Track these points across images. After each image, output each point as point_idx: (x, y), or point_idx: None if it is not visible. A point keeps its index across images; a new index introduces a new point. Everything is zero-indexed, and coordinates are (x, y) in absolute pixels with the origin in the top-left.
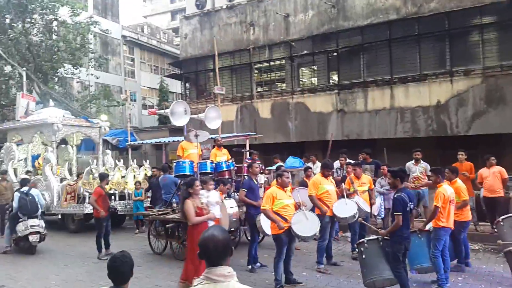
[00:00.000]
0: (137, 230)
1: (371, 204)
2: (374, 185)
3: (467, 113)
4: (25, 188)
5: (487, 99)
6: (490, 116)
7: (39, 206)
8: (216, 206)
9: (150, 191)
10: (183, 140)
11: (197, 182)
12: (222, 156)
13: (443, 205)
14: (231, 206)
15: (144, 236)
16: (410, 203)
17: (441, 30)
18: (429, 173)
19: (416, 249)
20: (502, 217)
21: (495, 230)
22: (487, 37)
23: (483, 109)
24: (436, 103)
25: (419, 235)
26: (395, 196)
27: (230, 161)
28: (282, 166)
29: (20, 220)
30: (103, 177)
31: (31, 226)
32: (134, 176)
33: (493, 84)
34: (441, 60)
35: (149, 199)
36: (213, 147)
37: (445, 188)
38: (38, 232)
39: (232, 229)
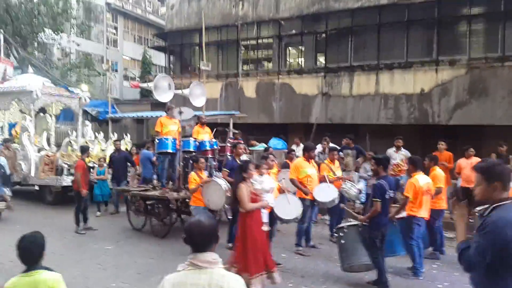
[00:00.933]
0: (98, 213)
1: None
2: (357, 171)
3: (449, 103)
4: None
5: (470, 90)
6: (472, 107)
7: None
8: (269, 194)
9: (111, 168)
10: (162, 116)
11: (251, 166)
12: (205, 134)
13: (414, 196)
14: (223, 184)
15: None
16: (390, 191)
17: (430, 18)
18: None
19: (391, 237)
20: (478, 208)
21: (471, 220)
22: (474, 28)
23: (465, 100)
24: (420, 92)
25: (394, 222)
26: (375, 183)
27: (214, 140)
28: (270, 148)
29: None
30: (84, 149)
31: None
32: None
33: (477, 76)
34: (428, 49)
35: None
36: (196, 124)
37: (417, 179)
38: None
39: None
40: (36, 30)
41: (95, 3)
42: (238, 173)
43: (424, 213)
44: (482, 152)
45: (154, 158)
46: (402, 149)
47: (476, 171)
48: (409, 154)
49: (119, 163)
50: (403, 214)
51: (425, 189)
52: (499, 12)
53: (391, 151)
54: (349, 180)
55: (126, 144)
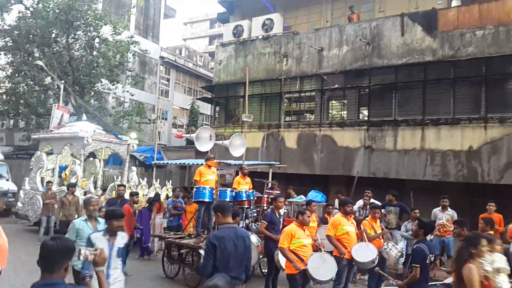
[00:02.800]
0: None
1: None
2: (399, 229)
3: (500, 161)
4: None
5: None
6: None
7: None
8: (501, 276)
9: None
10: (202, 165)
11: (483, 240)
12: (245, 185)
13: None
14: (258, 243)
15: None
16: (430, 255)
17: (478, 75)
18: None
19: None
20: None
21: None
22: None
23: None
24: (468, 149)
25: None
26: (414, 247)
27: (251, 191)
28: (314, 202)
29: None
30: (133, 195)
31: None
32: None
33: None
34: (476, 105)
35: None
36: (237, 173)
37: None
38: None
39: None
40: (94, 80)
41: (150, 57)
42: (465, 248)
43: None
44: None
45: (170, 206)
46: (449, 208)
47: None
48: (455, 214)
49: None
50: (450, 280)
51: None
52: None
53: (436, 211)
54: (388, 237)
55: (168, 190)
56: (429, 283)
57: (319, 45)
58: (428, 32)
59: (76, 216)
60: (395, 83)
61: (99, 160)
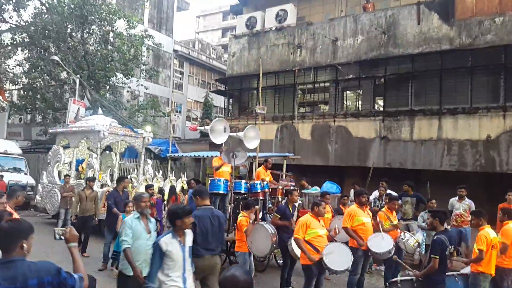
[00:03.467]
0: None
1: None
2: (416, 219)
3: None
4: None
5: None
6: None
7: None
8: None
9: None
10: (216, 156)
11: None
12: (266, 177)
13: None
14: (272, 232)
15: None
16: (450, 246)
17: (496, 64)
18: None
19: None
20: None
21: None
22: None
23: None
24: (486, 138)
25: (456, 278)
26: (434, 238)
27: (265, 182)
28: (328, 194)
29: None
30: (148, 187)
31: None
32: None
33: None
34: (494, 94)
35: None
36: (259, 165)
37: (488, 232)
38: None
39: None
40: (109, 74)
41: (164, 51)
42: None
43: (491, 269)
44: None
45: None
46: (466, 198)
47: None
48: (473, 204)
49: (121, 205)
50: (467, 270)
51: (494, 243)
52: None
53: (453, 201)
54: (404, 230)
55: (182, 182)
56: (447, 274)
57: (333, 35)
58: (445, 20)
59: (93, 211)
60: (411, 72)
61: (115, 154)
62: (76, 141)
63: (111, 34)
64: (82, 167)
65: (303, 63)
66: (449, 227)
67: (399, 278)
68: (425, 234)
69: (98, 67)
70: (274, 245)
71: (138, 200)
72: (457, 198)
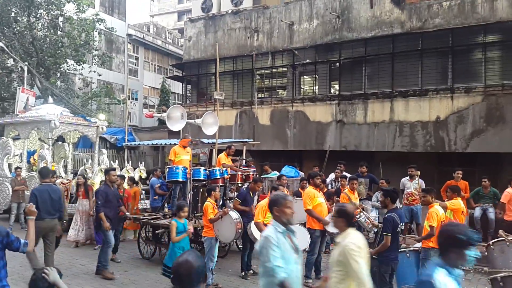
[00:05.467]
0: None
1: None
2: (370, 199)
3: (466, 130)
4: None
5: (487, 117)
6: (489, 134)
7: None
8: None
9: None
10: (176, 145)
11: None
12: (228, 163)
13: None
14: (236, 218)
15: None
16: (401, 224)
17: (445, 46)
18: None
19: (404, 268)
20: (493, 240)
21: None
22: (490, 56)
23: (482, 127)
24: (436, 119)
25: (408, 254)
26: (385, 216)
27: (224, 169)
28: (284, 176)
29: None
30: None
31: None
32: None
33: (494, 103)
34: (443, 76)
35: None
36: (219, 151)
37: (437, 208)
38: None
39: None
40: (59, 61)
41: (117, 35)
42: None
43: None
44: (502, 180)
45: (157, 186)
46: (416, 177)
47: None
48: (423, 183)
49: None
50: (418, 245)
51: (443, 219)
52: None
53: (405, 180)
54: (362, 209)
55: (140, 171)
56: (399, 250)
57: (289, 19)
58: (396, 4)
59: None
60: (364, 56)
61: (68, 144)
62: (26, 132)
63: (60, 19)
64: (34, 159)
65: (260, 48)
66: (400, 205)
67: None
68: (378, 213)
69: (47, 54)
70: (240, 231)
71: (279, 205)
72: (408, 177)
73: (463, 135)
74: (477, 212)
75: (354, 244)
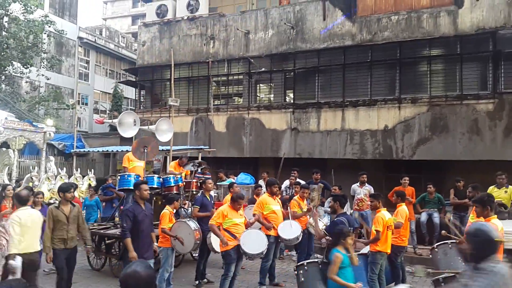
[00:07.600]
0: None
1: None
2: (322, 205)
3: (412, 139)
4: None
5: (431, 126)
6: (434, 143)
7: None
8: None
9: None
10: (130, 151)
11: None
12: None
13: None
14: (194, 228)
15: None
16: (350, 228)
17: (393, 59)
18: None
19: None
20: (437, 243)
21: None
22: (434, 68)
23: (427, 136)
24: (384, 128)
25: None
26: (334, 219)
27: (179, 176)
28: (234, 183)
29: None
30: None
31: None
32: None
33: (438, 113)
34: (391, 87)
35: None
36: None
37: (384, 214)
38: None
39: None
40: (4, 63)
41: (67, 38)
42: None
43: (388, 248)
44: (446, 186)
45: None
46: (366, 184)
47: None
48: (372, 189)
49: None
50: (366, 249)
51: (390, 224)
52: (456, 54)
53: (355, 186)
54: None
55: (90, 179)
56: None
57: (245, 28)
58: (347, 17)
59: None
60: (317, 66)
61: (13, 150)
62: None
63: (6, 19)
64: None
65: (216, 55)
66: (351, 211)
67: (306, 261)
68: (330, 218)
69: None
70: (198, 242)
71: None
72: (358, 184)
73: (410, 143)
74: (423, 216)
75: None
